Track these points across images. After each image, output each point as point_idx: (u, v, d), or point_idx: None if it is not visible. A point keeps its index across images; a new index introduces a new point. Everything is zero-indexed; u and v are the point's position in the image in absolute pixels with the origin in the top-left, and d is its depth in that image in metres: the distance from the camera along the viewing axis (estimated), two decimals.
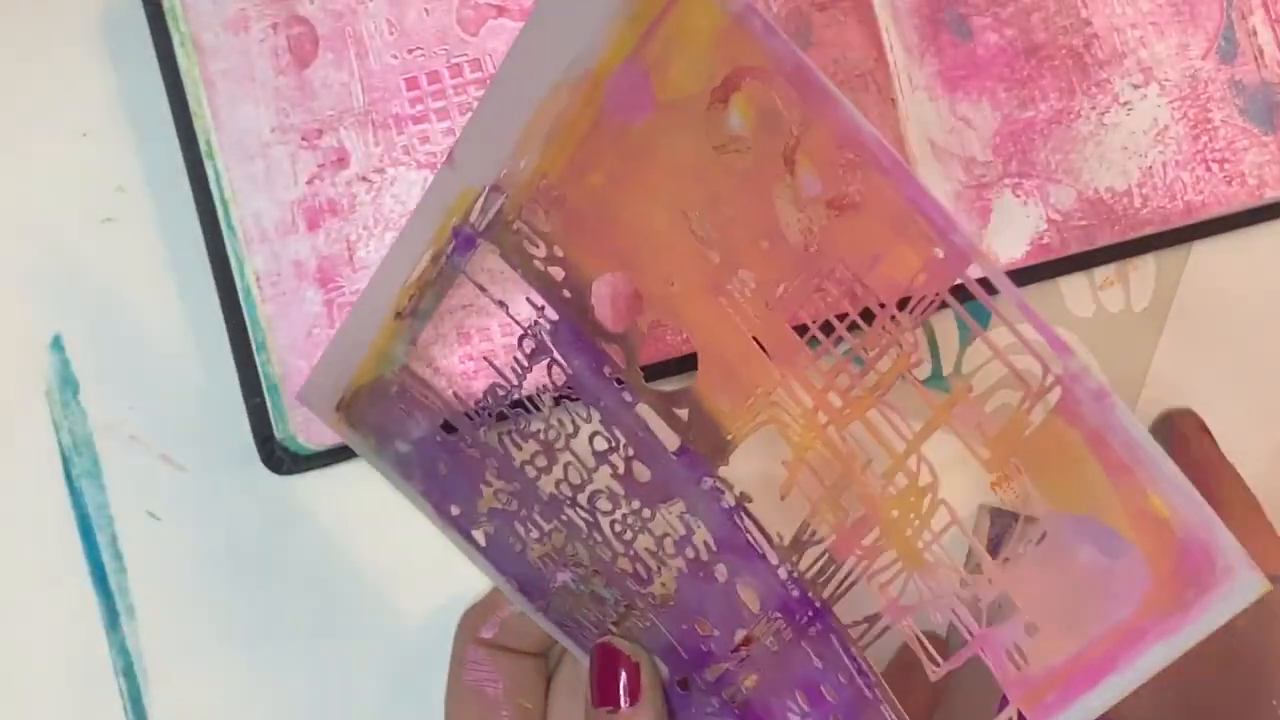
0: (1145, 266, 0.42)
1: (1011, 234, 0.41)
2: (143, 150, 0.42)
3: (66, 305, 0.42)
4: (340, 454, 0.41)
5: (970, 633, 0.31)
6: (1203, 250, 0.42)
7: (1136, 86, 0.41)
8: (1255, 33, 0.41)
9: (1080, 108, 0.41)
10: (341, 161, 0.41)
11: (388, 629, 0.43)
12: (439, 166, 0.35)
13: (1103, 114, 0.41)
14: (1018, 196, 0.41)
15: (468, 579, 0.42)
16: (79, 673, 0.42)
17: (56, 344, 0.42)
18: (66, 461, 0.42)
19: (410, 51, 0.41)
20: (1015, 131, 0.41)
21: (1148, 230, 0.41)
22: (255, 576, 0.42)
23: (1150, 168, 0.41)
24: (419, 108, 0.41)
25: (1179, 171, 0.41)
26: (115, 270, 0.42)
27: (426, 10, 0.41)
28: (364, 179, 0.41)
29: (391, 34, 0.41)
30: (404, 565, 0.42)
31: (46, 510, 0.42)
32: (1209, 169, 0.41)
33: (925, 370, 0.42)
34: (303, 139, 0.40)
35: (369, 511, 0.42)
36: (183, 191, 0.41)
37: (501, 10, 0.41)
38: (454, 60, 0.41)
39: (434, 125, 0.41)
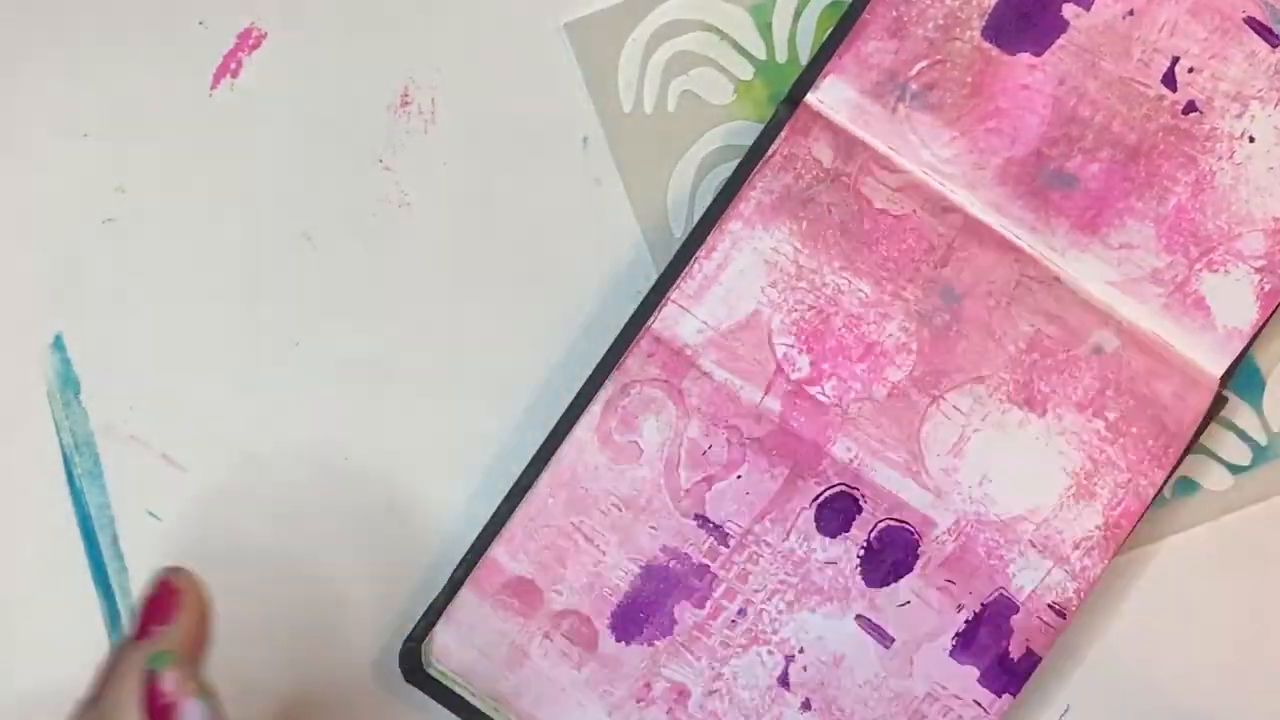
0: None
1: (1234, 304, 0.41)
2: (143, 150, 0.42)
3: (66, 305, 0.42)
4: None
5: None
6: None
7: (1238, 116, 0.41)
8: None
9: (1210, 166, 0.41)
10: None
11: (387, 627, 0.43)
12: None
13: (1230, 158, 0.41)
14: (1215, 271, 0.41)
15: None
16: (80, 674, 0.43)
17: (57, 344, 0.42)
18: (67, 461, 0.42)
19: None
20: (1173, 224, 0.41)
21: None
22: (256, 576, 0.42)
23: None
24: None
25: None
26: (115, 270, 0.42)
27: None
28: None
29: None
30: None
31: (47, 510, 0.42)
32: None
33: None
34: None
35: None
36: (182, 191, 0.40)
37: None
38: None
39: None
